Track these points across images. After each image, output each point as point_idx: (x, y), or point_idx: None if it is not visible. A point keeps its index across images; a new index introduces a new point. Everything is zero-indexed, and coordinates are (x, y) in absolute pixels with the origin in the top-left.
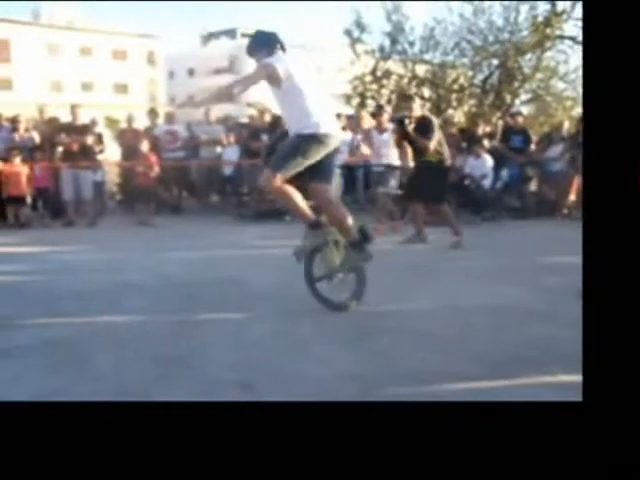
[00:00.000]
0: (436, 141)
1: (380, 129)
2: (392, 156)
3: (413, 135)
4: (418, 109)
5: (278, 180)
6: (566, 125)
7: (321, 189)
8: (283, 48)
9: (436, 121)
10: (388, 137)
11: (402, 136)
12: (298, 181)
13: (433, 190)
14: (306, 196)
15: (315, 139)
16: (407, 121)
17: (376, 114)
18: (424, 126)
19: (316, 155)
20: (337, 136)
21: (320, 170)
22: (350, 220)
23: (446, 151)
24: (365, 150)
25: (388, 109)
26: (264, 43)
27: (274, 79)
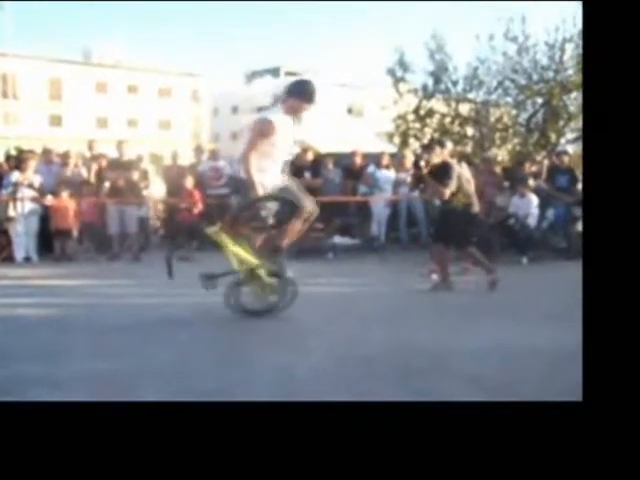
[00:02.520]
0: (454, 187)
1: None
2: None
3: (427, 179)
4: (436, 158)
5: None
6: None
7: None
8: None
9: (457, 168)
10: None
11: (417, 178)
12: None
13: (456, 235)
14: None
15: None
16: (422, 163)
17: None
18: (441, 172)
19: None
20: None
21: None
22: None
23: (473, 197)
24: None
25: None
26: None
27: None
